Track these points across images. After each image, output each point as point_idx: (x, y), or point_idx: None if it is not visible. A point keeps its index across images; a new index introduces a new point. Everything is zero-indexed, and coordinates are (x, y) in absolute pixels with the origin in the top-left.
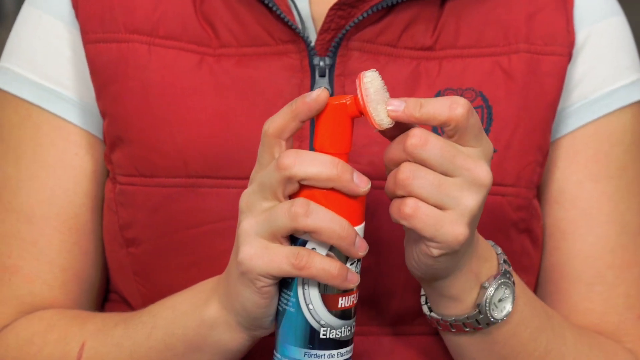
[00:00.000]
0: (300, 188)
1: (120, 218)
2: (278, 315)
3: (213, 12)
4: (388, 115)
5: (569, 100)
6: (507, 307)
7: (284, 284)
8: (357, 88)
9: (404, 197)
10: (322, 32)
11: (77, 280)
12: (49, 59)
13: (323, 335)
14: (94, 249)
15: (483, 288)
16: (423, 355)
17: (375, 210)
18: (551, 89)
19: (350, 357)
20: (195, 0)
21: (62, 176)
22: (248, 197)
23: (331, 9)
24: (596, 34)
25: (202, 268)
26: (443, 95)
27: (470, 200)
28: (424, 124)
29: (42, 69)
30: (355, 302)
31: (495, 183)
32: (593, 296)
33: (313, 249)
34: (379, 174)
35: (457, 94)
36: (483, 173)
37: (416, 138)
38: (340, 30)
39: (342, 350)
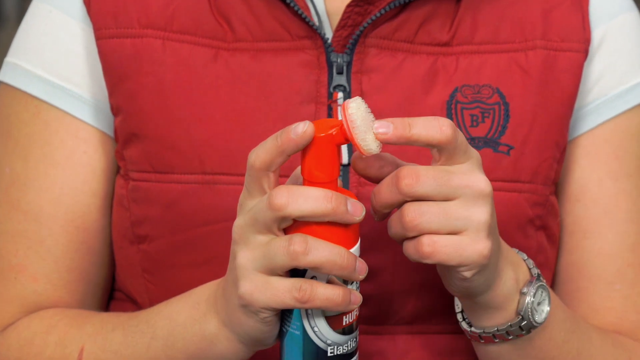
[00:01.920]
0: (295, 221)
1: (133, 214)
2: (282, 335)
3: (228, 6)
4: (376, 139)
5: (588, 98)
6: (546, 309)
7: (286, 309)
8: (342, 118)
9: (415, 236)
10: (339, 28)
11: (82, 279)
12: (59, 56)
13: (331, 353)
14: (101, 248)
15: (522, 294)
16: (438, 354)
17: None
18: (568, 85)
19: None
20: None
21: (71, 175)
22: (241, 230)
23: (348, 5)
24: (612, 31)
25: (213, 266)
26: (460, 91)
27: (480, 214)
28: (412, 145)
29: (52, 65)
30: (357, 314)
31: (511, 180)
32: (613, 295)
33: (313, 276)
34: None
35: (474, 91)
36: (482, 184)
37: (409, 177)
38: (357, 27)
39: None
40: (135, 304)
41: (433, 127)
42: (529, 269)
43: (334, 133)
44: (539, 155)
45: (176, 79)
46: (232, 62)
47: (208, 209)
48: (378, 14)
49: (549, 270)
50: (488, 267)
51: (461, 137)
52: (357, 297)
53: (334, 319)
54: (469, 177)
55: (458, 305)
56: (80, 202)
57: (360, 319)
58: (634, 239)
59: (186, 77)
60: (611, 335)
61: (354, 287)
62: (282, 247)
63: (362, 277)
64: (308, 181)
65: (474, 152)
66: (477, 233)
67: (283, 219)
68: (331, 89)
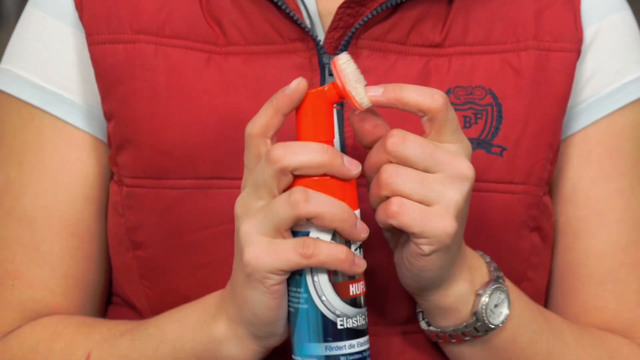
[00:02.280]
0: (294, 180)
1: (128, 220)
2: (290, 317)
3: (220, 10)
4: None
5: (580, 97)
6: (504, 311)
7: (292, 283)
8: (334, 72)
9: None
10: (331, 30)
11: (80, 286)
12: (52, 62)
13: (340, 325)
14: (97, 254)
15: (478, 295)
16: (434, 355)
17: None
18: (561, 85)
19: (368, 347)
20: None
21: (65, 181)
22: (243, 201)
23: (340, 7)
24: (604, 30)
25: (211, 270)
26: (453, 92)
27: (454, 193)
28: (403, 109)
29: (45, 71)
30: (364, 290)
31: (505, 181)
32: (605, 294)
33: (317, 238)
34: None
35: (467, 92)
36: (464, 166)
37: (395, 137)
38: (349, 29)
39: (361, 340)
40: (133, 309)
41: (425, 93)
42: (489, 271)
43: (326, 89)
44: (532, 156)
45: (169, 83)
46: (225, 66)
47: (203, 213)
48: (370, 15)
49: (544, 271)
50: (448, 251)
51: (452, 114)
52: (360, 260)
53: (341, 287)
54: (454, 157)
55: (418, 306)
56: (74, 208)
57: None
58: (626, 238)
59: (179, 82)
60: (593, 335)
61: (359, 254)
62: (283, 201)
63: (363, 235)
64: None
65: (465, 141)
66: (446, 209)
67: (282, 172)
68: None
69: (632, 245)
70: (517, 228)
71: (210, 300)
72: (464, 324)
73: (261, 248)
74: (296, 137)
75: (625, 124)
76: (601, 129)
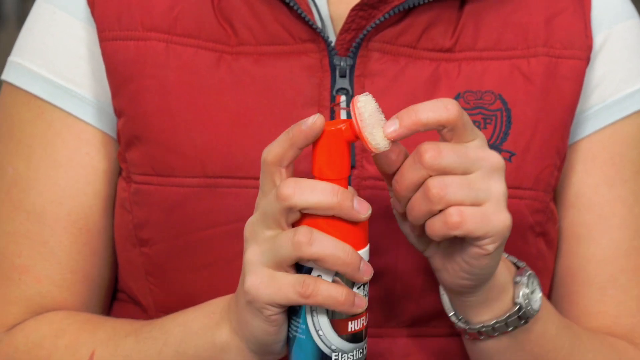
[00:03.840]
0: (303, 215)
1: (135, 217)
2: (289, 341)
3: (231, 9)
4: (387, 137)
5: (587, 104)
6: (539, 295)
7: (293, 310)
8: (352, 113)
9: (438, 212)
10: (343, 32)
11: (86, 281)
12: (63, 56)
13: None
14: (104, 250)
15: (516, 283)
16: (439, 357)
17: (391, 212)
18: (570, 92)
19: None
20: None
21: (74, 176)
22: (252, 226)
23: (352, 9)
24: (613, 37)
25: (216, 269)
26: (463, 97)
27: (498, 185)
28: (424, 130)
29: (55, 66)
30: (365, 324)
31: (513, 186)
32: (606, 299)
33: (319, 275)
34: None
35: (477, 97)
36: (496, 157)
37: (431, 151)
38: (361, 31)
39: None
40: (138, 306)
41: (439, 108)
42: (512, 262)
43: (343, 128)
44: (540, 162)
45: (179, 82)
46: (235, 65)
47: (210, 212)
48: (382, 18)
49: (548, 276)
50: (505, 241)
51: (466, 116)
52: (361, 301)
53: (339, 324)
54: (483, 151)
55: (449, 309)
56: (82, 204)
57: None
58: (627, 245)
59: (189, 81)
60: (599, 335)
61: (361, 293)
62: (287, 239)
63: (366, 278)
64: (318, 178)
65: (479, 132)
66: (498, 203)
67: (289, 209)
68: (334, 92)
69: (634, 252)
70: (524, 233)
71: (215, 307)
72: (507, 313)
73: (262, 280)
74: (311, 168)
75: (630, 132)
76: (606, 136)
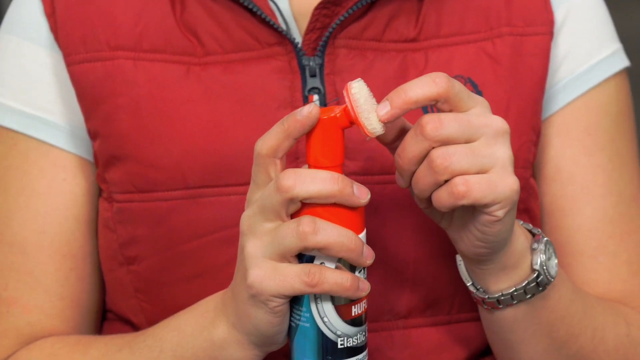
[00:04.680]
0: (302, 205)
1: (120, 236)
2: (291, 331)
3: (195, 20)
4: (380, 120)
5: (555, 78)
6: (555, 262)
7: (295, 299)
8: (346, 99)
9: (443, 183)
10: (308, 32)
11: (75, 306)
12: (31, 86)
13: (341, 345)
14: (91, 272)
15: (533, 250)
16: (437, 347)
17: (379, 205)
18: (537, 68)
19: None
20: (176, 10)
21: (53, 203)
22: (249, 220)
23: (316, 8)
24: (574, 10)
25: (206, 279)
26: None
27: (503, 149)
28: (416, 108)
29: (25, 96)
30: (366, 307)
31: None
32: (597, 267)
33: (322, 263)
34: (378, 169)
35: None
36: (499, 121)
37: (432, 122)
38: (326, 29)
39: (360, 356)
40: (128, 324)
41: (427, 83)
42: (528, 230)
43: (337, 115)
44: (516, 139)
45: (150, 97)
46: (204, 76)
47: (195, 223)
48: (346, 14)
49: None
50: (515, 205)
51: (458, 85)
52: (365, 285)
53: (343, 309)
54: (485, 117)
55: (467, 279)
56: (65, 230)
57: None
58: (612, 211)
59: (160, 95)
60: (602, 299)
61: (362, 276)
62: (290, 230)
63: (369, 262)
64: (313, 166)
65: (480, 98)
66: (504, 169)
67: (291, 200)
68: (306, 92)
69: (619, 218)
70: None
71: (207, 306)
72: (526, 281)
73: (266, 272)
74: (306, 157)
75: (602, 100)
76: (578, 107)
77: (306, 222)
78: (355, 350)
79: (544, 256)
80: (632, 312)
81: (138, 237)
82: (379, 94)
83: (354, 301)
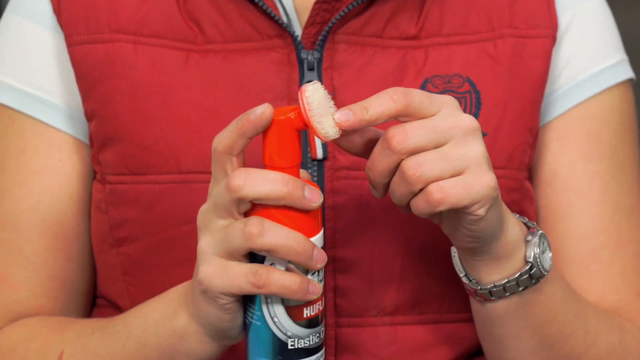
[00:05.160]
0: (255, 204)
1: (111, 217)
2: (245, 327)
3: (197, 8)
4: (337, 126)
5: (557, 84)
6: (549, 255)
7: (248, 297)
8: (300, 102)
9: (418, 193)
10: (308, 26)
11: (63, 287)
12: (32, 66)
13: (291, 346)
14: (81, 254)
15: (527, 242)
16: (423, 346)
17: (369, 202)
18: (537, 70)
19: None
20: None
21: (47, 183)
22: (204, 215)
23: (316, 2)
24: (579, 17)
25: (193, 265)
26: (431, 82)
27: (475, 148)
28: (376, 124)
29: (25, 75)
30: (321, 309)
31: None
32: (590, 275)
33: (272, 264)
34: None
35: (445, 81)
36: (467, 120)
37: (397, 135)
38: (326, 24)
39: (313, 357)
40: (117, 310)
41: (385, 101)
42: (523, 223)
43: (292, 116)
44: (512, 140)
45: (149, 81)
46: (204, 64)
47: (186, 208)
48: (346, 10)
49: None
50: (497, 200)
51: (418, 95)
52: (315, 287)
53: (294, 310)
54: (453, 118)
55: (460, 270)
56: (57, 210)
57: (341, 311)
58: (608, 220)
59: (158, 80)
60: (598, 307)
61: (316, 279)
62: (238, 230)
63: (319, 266)
64: (269, 166)
65: (446, 98)
66: (478, 167)
67: (240, 200)
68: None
69: (615, 227)
70: None
71: (174, 294)
72: (519, 272)
73: (214, 269)
74: (262, 157)
75: (603, 109)
76: (579, 114)
77: (253, 223)
78: (308, 351)
79: (538, 249)
80: (626, 322)
81: (129, 219)
82: (376, 89)
83: (306, 303)
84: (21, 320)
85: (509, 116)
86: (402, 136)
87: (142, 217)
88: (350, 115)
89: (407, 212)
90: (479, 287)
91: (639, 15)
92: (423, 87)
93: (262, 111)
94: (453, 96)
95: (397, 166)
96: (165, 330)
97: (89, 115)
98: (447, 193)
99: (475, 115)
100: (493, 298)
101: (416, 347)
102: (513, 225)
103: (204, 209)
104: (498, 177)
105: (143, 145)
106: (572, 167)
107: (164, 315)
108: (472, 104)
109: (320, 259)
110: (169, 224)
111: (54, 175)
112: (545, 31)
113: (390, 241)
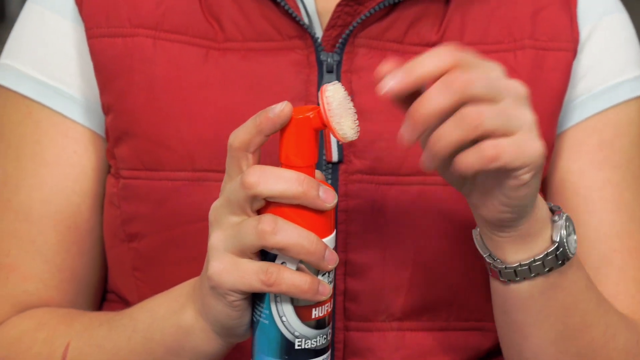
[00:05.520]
0: (268, 202)
1: (123, 212)
2: (253, 325)
3: (219, 6)
4: (354, 126)
5: (573, 94)
6: (574, 238)
7: (257, 295)
8: (320, 101)
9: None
10: (329, 28)
11: (74, 279)
12: (51, 56)
13: (298, 346)
14: (93, 248)
15: (554, 222)
16: (428, 351)
17: (383, 206)
18: (557, 83)
19: None
20: None
21: (62, 174)
22: (216, 211)
23: (338, 5)
24: (600, 29)
25: (203, 263)
26: None
27: (528, 113)
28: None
29: (44, 65)
30: (329, 310)
31: None
32: (601, 279)
33: (283, 262)
34: (384, 170)
35: None
36: (520, 85)
37: (461, 77)
38: (347, 27)
39: (319, 359)
40: (127, 305)
41: (434, 58)
42: (549, 206)
43: (311, 116)
44: None
45: (167, 77)
46: (223, 62)
47: (198, 206)
48: (367, 14)
49: None
50: (541, 169)
51: (467, 52)
52: (325, 288)
53: (302, 310)
54: (506, 79)
55: (484, 250)
56: (71, 202)
57: (350, 315)
58: (619, 227)
59: (177, 76)
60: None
61: (326, 280)
62: (251, 227)
63: (331, 267)
64: (285, 165)
65: (495, 64)
66: (530, 132)
67: (254, 197)
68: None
69: (627, 235)
70: None
71: (181, 290)
72: (546, 252)
73: (225, 266)
74: (278, 155)
75: (620, 120)
76: (593, 124)
77: (266, 221)
78: (315, 352)
79: (564, 231)
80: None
81: (140, 214)
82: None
83: (315, 304)
84: (29, 311)
85: None
86: (466, 79)
87: (153, 213)
88: (392, 80)
89: (441, 171)
90: (504, 266)
91: (639, 14)
92: None
93: (282, 109)
94: None
95: (450, 110)
96: (171, 326)
97: (106, 109)
98: (502, 150)
99: None
100: (518, 278)
101: (424, 353)
102: (543, 204)
103: (216, 205)
104: None
105: (158, 141)
106: (582, 174)
107: (171, 311)
108: None
109: (331, 260)
110: (180, 221)
111: (69, 167)
112: (566, 44)
113: (402, 247)
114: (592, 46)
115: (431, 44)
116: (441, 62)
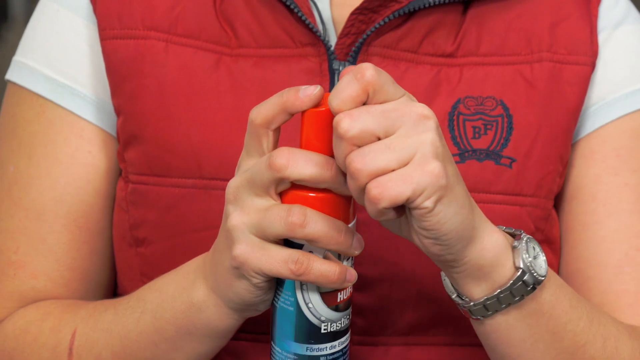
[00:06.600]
0: (292, 185)
1: (131, 217)
2: (273, 309)
3: (233, 11)
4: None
5: (587, 102)
6: (542, 258)
7: (279, 280)
8: None
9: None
10: (342, 36)
11: (83, 279)
12: (65, 55)
13: (324, 330)
14: (103, 249)
15: (514, 248)
16: None
17: None
18: (573, 97)
19: (348, 343)
20: None
21: (74, 174)
22: (236, 190)
23: (352, 13)
24: (614, 38)
25: None
26: (463, 103)
27: (424, 137)
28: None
29: (58, 64)
30: (352, 291)
31: (514, 193)
32: (623, 277)
33: (310, 250)
34: None
35: (477, 102)
36: (420, 108)
37: (343, 120)
38: (360, 35)
39: (342, 339)
40: None
41: (351, 80)
42: (509, 232)
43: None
44: (542, 168)
45: (177, 82)
46: (235, 68)
47: (205, 213)
48: (382, 22)
49: None
50: (449, 192)
51: (385, 74)
52: (352, 275)
53: (328, 295)
54: (406, 105)
55: (451, 291)
56: (83, 202)
57: (355, 329)
58: (639, 228)
59: (187, 81)
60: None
61: (349, 264)
62: (280, 217)
63: (357, 252)
64: (305, 149)
65: (405, 92)
66: (422, 157)
67: (281, 180)
68: None
69: None
70: None
71: (190, 267)
72: (511, 280)
73: (252, 249)
74: (299, 135)
75: (636, 127)
76: (607, 131)
77: (296, 214)
78: (338, 334)
79: (527, 254)
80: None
81: (147, 220)
82: None
83: (340, 289)
84: (35, 303)
85: (540, 143)
86: (348, 121)
87: (160, 220)
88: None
89: (384, 221)
90: (472, 304)
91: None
92: (455, 107)
93: (315, 92)
94: (484, 119)
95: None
96: (182, 303)
97: (117, 111)
98: (384, 188)
99: (506, 140)
100: (490, 312)
101: None
102: (490, 232)
103: (235, 183)
104: (525, 205)
105: (166, 146)
106: (598, 180)
107: (180, 288)
108: (503, 128)
109: (358, 245)
110: (187, 228)
111: (82, 167)
112: (584, 58)
113: (410, 262)
114: (607, 54)
115: (446, 55)
116: (360, 82)
